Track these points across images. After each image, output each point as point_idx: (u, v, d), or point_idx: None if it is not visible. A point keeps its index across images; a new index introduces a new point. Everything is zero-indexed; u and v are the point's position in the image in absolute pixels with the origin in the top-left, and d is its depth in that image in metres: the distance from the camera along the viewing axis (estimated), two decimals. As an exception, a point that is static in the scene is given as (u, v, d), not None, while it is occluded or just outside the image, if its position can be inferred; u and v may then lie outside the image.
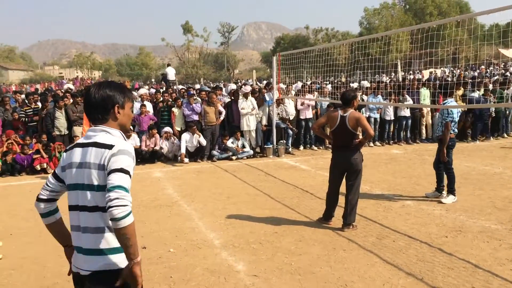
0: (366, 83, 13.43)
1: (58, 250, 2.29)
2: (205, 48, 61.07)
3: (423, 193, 6.82)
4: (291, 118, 11.30)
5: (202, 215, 6.07)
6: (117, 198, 1.87)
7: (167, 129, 10.50)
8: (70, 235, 2.24)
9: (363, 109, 11.59)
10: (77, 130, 10.06)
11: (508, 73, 20.37)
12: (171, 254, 4.68)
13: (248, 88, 11.39)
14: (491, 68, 25.96)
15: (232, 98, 11.21)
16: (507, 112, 13.07)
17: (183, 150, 10.06)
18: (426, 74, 22.68)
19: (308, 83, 13.88)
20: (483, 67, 22.81)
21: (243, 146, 10.70)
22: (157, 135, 10.33)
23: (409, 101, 11.67)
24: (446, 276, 3.94)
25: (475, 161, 9.37)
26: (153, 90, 14.53)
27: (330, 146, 5.71)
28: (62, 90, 15.10)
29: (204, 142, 10.24)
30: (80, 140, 2.17)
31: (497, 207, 6.05)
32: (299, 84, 12.26)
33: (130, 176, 1.99)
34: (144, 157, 10.09)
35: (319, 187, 7.28)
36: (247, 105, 10.73)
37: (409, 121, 12.28)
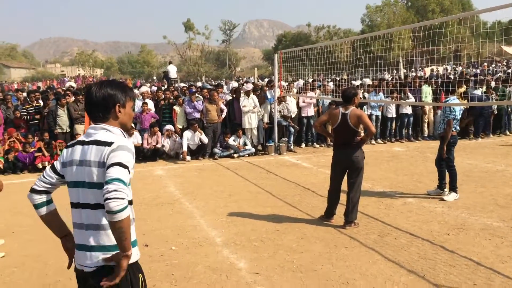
0: (368, 81, 13.39)
1: (60, 248, 2.29)
2: (207, 46, 60.97)
3: (425, 191, 6.81)
4: (292, 116, 11.29)
5: (204, 213, 6.08)
6: (115, 191, 1.86)
7: (169, 127, 10.51)
8: (65, 226, 2.25)
9: (364, 106, 11.57)
10: (79, 128, 10.08)
11: (510, 70, 20.30)
12: (172, 252, 4.69)
13: (249, 86, 11.38)
14: (493, 65, 25.87)
15: (234, 96, 11.20)
16: (509, 109, 13.03)
17: (185, 148, 10.06)
18: (427, 72, 22.62)
19: (310, 80, 13.86)
20: (485, 64, 22.73)
21: (245, 144, 10.70)
22: (159, 133, 10.33)
23: (411, 98, 11.65)
24: (448, 274, 3.94)
25: (477, 159, 9.35)
26: (154, 88, 14.53)
27: (332, 143, 5.71)
28: (64, 88, 15.11)
29: (205, 140, 10.24)
30: (81, 137, 2.17)
31: (499, 204, 6.04)
32: (301, 81, 12.24)
33: (129, 171, 1.99)
34: (145, 155, 10.10)
35: (321, 184, 7.28)
36: (248, 103, 10.72)
37: (411, 119, 12.26)
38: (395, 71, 21.97)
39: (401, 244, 4.69)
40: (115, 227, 1.88)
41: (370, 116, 11.52)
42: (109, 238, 2.03)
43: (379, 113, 11.93)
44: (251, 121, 10.75)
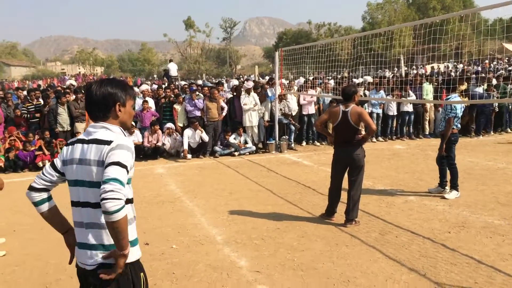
0: (369, 78, 13.38)
1: (61, 246, 2.28)
2: (207, 44, 60.83)
3: (426, 189, 6.80)
4: (293, 114, 11.28)
5: (205, 211, 6.08)
6: (112, 191, 1.85)
7: (170, 125, 10.50)
8: (67, 221, 2.24)
9: (365, 104, 11.55)
10: (80, 126, 10.09)
11: (511, 68, 20.25)
12: (173, 250, 4.69)
13: (250, 84, 11.37)
14: (494, 62, 25.82)
15: (234, 93, 11.20)
16: (510, 107, 13.00)
17: (185, 146, 10.06)
18: (428, 69, 22.57)
19: (311, 78, 13.83)
20: (486, 61, 22.69)
21: (246, 142, 10.69)
22: (159, 131, 10.33)
23: (412, 96, 11.63)
24: (449, 272, 3.93)
25: (478, 156, 9.33)
26: (155, 86, 14.54)
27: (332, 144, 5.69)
28: (64, 86, 15.11)
29: (206, 138, 10.24)
30: (81, 136, 2.16)
31: (500, 202, 6.03)
32: (302, 79, 12.22)
33: (127, 171, 1.98)
34: (146, 153, 10.09)
35: (322, 182, 7.27)
36: (249, 100, 10.71)
37: (412, 116, 12.25)
38: (396, 69, 21.94)
39: (402, 242, 4.69)
40: (112, 227, 1.88)
41: (371, 114, 11.51)
42: (108, 237, 2.03)
43: (380, 111, 11.92)
44: (251, 119, 10.74)
